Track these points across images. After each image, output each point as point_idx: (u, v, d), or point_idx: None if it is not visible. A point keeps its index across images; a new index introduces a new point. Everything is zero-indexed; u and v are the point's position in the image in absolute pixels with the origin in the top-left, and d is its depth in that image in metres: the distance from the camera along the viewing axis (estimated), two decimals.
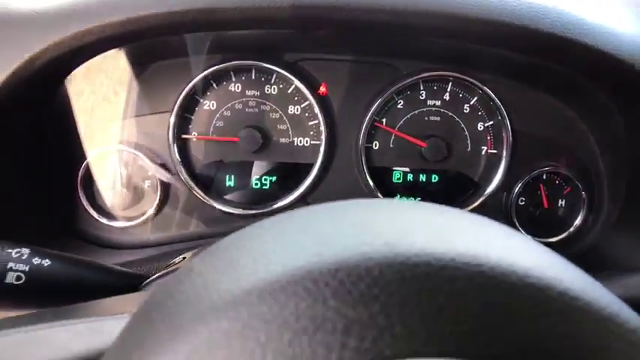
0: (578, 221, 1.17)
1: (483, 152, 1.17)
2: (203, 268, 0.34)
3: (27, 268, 0.65)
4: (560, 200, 1.18)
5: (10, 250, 0.65)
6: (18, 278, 0.65)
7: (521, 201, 1.19)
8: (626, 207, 1.10)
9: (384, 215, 0.37)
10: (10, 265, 0.64)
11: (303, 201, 1.15)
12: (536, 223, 1.18)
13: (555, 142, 1.16)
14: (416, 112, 1.15)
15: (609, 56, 0.87)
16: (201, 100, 1.12)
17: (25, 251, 0.66)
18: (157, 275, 0.77)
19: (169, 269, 0.80)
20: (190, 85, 1.08)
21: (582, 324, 0.31)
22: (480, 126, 1.16)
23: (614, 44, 0.87)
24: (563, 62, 0.95)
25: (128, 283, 0.77)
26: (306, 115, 1.13)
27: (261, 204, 1.15)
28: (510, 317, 0.29)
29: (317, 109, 1.11)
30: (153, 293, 0.36)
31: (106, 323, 0.50)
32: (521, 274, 0.31)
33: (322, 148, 1.12)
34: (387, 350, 0.27)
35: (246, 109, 1.12)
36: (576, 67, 0.96)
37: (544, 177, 1.17)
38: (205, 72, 1.08)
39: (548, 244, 1.17)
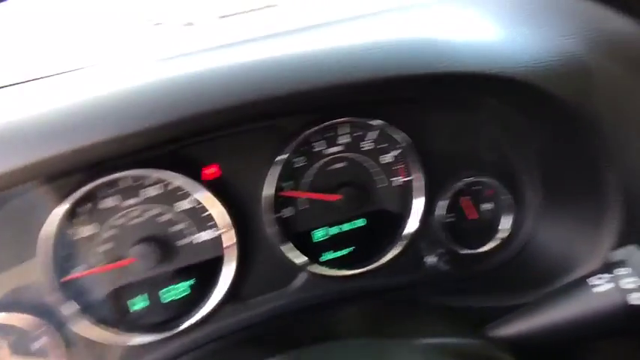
0: (507, 223, 1.13)
1: (399, 182, 1.10)
2: None
3: None
4: (486, 205, 1.14)
5: None
6: None
7: (450, 217, 1.13)
8: (547, 201, 1.08)
9: None
10: None
11: (232, 298, 1.02)
12: (469, 235, 1.14)
13: (466, 152, 1.11)
14: (318, 165, 1.04)
15: (489, 76, 0.85)
16: (77, 228, 0.94)
17: None
18: None
19: None
20: (57, 214, 0.89)
21: None
22: (389, 157, 1.08)
23: (492, 63, 0.85)
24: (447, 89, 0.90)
25: None
26: (200, 205, 0.99)
27: (181, 317, 1.01)
28: None
29: (210, 196, 0.97)
30: None
31: None
32: None
33: (230, 236, 0.99)
34: None
35: (132, 222, 0.96)
36: (465, 91, 0.91)
37: (464, 188, 1.12)
38: (73, 195, 0.90)
39: (485, 253, 1.14)
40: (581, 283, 0.86)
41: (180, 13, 1.58)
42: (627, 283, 0.81)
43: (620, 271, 0.82)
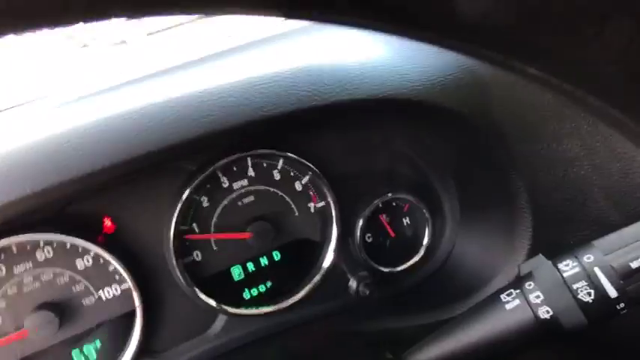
0: (427, 236, 1.12)
1: (312, 210, 1.07)
2: None
3: None
4: (405, 221, 1.13)
5: None
6: None
7: (369, 238, 1.11)
8: (464, 213, 1.08)
9: None
10: None
11: (144, 354, 0.97)
12: (391, 253, 1.12)
13: (379, 170, 1.09)
14: (225, 202, 1.00)
15: (384, 100, 0.84)
16: None
17: None
18: None
19: None
20: None
21: None
22: (298, 186, 1.05)
23: (386, 87, 0.84)
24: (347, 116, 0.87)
25: None
26: (101, 262, 0.93)
27: None
28: None
29: (108, 252, 0.91)
30: None
31: None
32: None
33: (136, 290, 0.94)
34: None
35: (25, 290, 0.89)
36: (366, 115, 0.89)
37: (380, 206, 1.10)
38: None
39: (408, 269, 1.12)
40: (495, 299, 0.86)
41: (110, 31, 1.50)
42: (534, 297, 0.81)
43: (528, 284, 0.82)
